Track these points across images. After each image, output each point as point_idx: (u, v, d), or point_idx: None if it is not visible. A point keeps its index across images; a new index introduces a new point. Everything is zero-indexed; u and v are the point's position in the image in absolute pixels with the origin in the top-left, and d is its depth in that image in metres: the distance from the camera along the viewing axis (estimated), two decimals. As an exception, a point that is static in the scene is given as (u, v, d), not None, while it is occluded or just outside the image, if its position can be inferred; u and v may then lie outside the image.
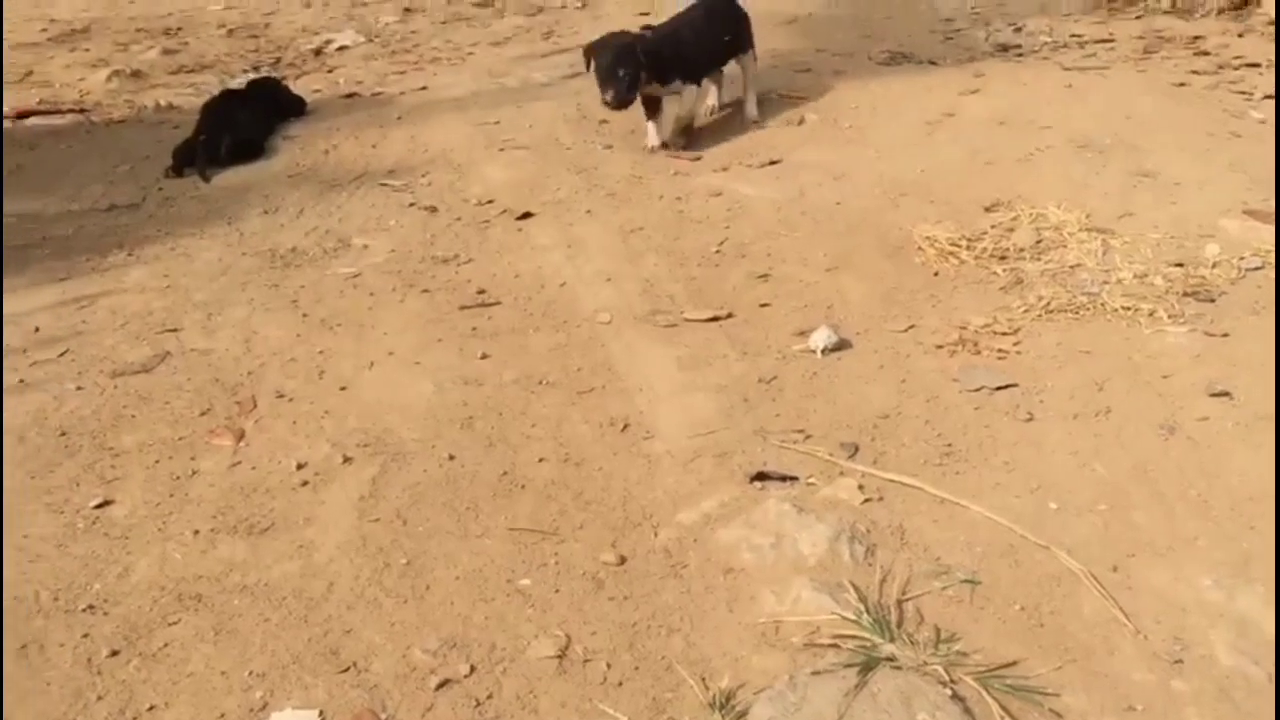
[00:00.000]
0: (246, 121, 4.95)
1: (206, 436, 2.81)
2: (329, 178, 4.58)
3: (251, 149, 4.83)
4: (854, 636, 2.05)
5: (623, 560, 2.31)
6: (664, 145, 4.67)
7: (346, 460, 2.69)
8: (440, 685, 2.02)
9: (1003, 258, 3.46)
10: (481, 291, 3.53)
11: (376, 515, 2.48)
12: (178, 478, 2.65)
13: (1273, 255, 3.28)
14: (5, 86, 6.88)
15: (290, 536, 2.43)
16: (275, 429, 2.84)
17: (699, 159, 4.56)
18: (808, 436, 2.69)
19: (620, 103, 4.48)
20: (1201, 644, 2.02)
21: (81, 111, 6.04)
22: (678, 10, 5.01)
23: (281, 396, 2.98)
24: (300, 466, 2.67)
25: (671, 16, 4.95)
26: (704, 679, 2.01)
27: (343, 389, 3.00)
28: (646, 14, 7.43)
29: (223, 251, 3.92)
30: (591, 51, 4.59)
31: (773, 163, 4.40)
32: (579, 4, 8.23)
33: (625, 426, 2.78)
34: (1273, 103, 4.57)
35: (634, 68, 4.44)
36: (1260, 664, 1.97)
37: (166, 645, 2.13)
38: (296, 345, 3.24)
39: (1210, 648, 2.01)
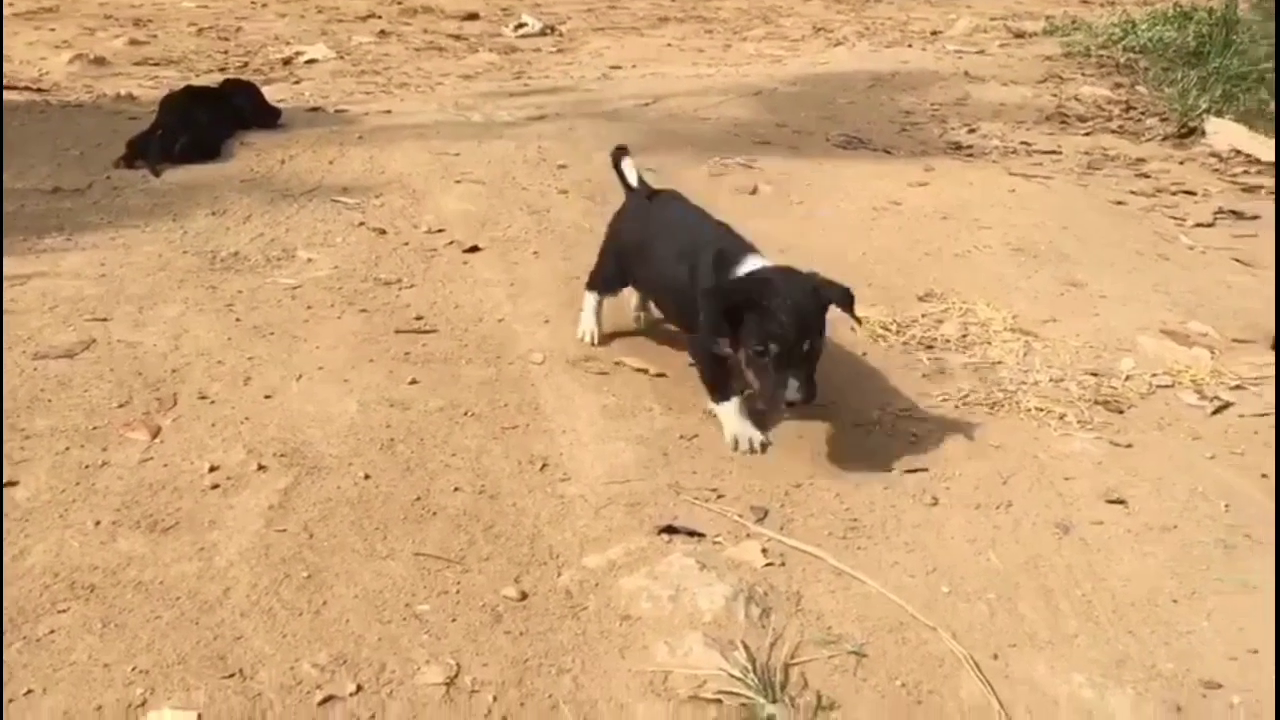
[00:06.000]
0: (207, 122, 4.95)
1: (121, 429, 2.79)
2: (281, 187, 4.59)
3: (207, 149, 4.84)
4: (738, 695, 2.09)
5: (524, 596, 2.34)
6: None
7: (261, 468, 2.68)
8: (324, 701, 2.02)
9: (929, 347, 3.56)
10: (419, 318, 3.55)
11: (283, 526, 2.48)
12: (86, 466, 2.63)
13: (1184, 375, 3.41)
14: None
15: (193, 538, 2.42)
16: (192, 429, 2.83)
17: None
18: (720, 496, 2.74)
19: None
20: (1069, 738, 2.09)
21: (38, 91, 6.00)
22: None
23: (203, 398, 2.97)
24: (212, 469, 2.67)
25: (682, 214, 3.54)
26: (587, 722, 2.03)
27: (267, 397, 3.01)
28: (618, 67, 7.57)
29: (163, 248, 3.91)
30: (738, 293, 2.85)
31: (721, 228, 4.47)
32: (554, 48, 8.35)
33: (544, 466, 2.81)
34: (1203, 231, 4.77)
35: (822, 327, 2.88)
36: (1122, 763, 2.04)
37: (52, 632, 2.11)
38: (226, 349, 3.24)
39: (1077, 742, 2.08)
